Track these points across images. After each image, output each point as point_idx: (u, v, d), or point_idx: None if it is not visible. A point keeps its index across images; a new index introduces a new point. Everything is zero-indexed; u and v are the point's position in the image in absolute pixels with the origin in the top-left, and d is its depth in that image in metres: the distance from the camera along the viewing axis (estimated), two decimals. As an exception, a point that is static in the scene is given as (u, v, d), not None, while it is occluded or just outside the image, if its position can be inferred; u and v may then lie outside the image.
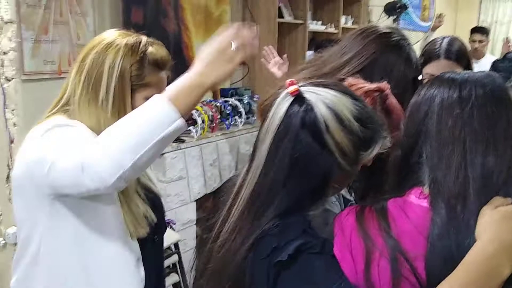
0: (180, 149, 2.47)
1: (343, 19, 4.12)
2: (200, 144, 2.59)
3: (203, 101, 2.75)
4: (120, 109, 1.06)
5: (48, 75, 2.00)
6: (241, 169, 0.91)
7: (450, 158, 0.78)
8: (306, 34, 3.56)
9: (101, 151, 0.91)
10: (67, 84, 1.11)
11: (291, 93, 0.81)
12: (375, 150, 0.84)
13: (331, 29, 3.93)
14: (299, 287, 0.74)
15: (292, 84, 0.81)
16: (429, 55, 1.62)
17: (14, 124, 1.88)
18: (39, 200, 1.03)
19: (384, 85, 0.99)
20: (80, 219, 1.05)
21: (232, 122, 2.90)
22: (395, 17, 4.34)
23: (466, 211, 0.75)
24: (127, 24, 2.31)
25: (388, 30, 1.15)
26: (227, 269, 0.80)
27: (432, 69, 1.57)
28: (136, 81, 1.08)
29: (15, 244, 1.89)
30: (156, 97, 0.94)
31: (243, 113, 2.94)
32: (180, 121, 0.92)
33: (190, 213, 2.57)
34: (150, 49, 1.10)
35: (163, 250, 1.36)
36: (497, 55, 4.18)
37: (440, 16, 4.54)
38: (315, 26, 3.78)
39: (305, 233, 0.78)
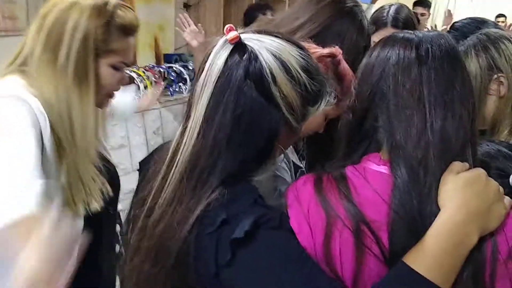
0: (121, 116, 2.36)
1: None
2: (142, 111, 2.49)
3: (145, 66, 2.64)
4: (82, 75, 0.99)
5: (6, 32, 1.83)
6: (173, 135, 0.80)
7: (410, 121, 0.74)
8: (253, 1, 3.48)
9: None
10: (25, 41, 1.01)
11: (231, 41, 0.72)
12: (322, 105, 0.80)
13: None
14: (259, 266, 0.68)
15: (231, 30, 0.72)
16: (377, 23, 1.62)
17: None
18: None
19: (336, 50, 0.96)
20: None
21: (176, 89, 2.81)
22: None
23: (428, 177, 0.72)
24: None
25: None
26: (167, 246, 0.72)
27: (379, 37, 1.52)
28: (101, 46, 1.01)
29: None
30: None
31: (188, 80, 2.85)
32: None
33: (132, 183, 2.46)
34: (118, 12, 1.03)
35: (116, 223, 1.30)
36: (439, 29, 4.29)
37: (382, -12, 4.59)
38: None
39: (256, 203, 0.72)
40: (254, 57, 0.72)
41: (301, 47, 0.78)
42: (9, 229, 0.71)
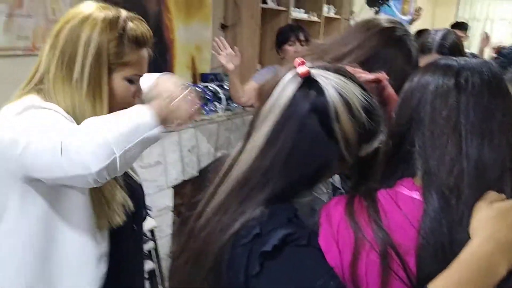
0: (158, 133, 2.40)
1: (325, 8, 4.09)
2: (179, 130, 2.53)
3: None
4: (96, 90, 0.99)
5: (21, 51, 1.90)
6: (231, 149, 0.86)
7: (444, 148, 0.74)
8: (289, 22, 3.52)
9: (87, 136, 0.86)
10: (40, 61, 1.02)
11: (301, 75, 0.77)
12: (375, 143, 0.82)
13: (314, 18, 3.90)
14: (284, 280, 0.71)
15: (302, 64, 0.78)
16: (422, 48, 1.57)
17: (-16, 102, 1.78)
18: (10, 182, 0.96)
19: (382, 75, 0.97)
20: (49, 206, 0.99)
21: (212, 108, 2.84)
22: (376, 9, 4.34)
23: (460, 205, 0.71)
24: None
25: (391, 25, 1.14)
26: (208, 250, 0.77)
27: (424, 62, 1.50)
28: (114, 59, 1.01)
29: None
30: (139, 106, 0.95)
31: (224, 99, 2.88)
32: (160, 128, 0.94)
33: (166, 199, 2.51)
34: (130, 25, 1.03)
35: (142, 240, 1.31)
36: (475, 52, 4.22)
37: (418, 10, 4.57)
38: (298, 14, 3.74)
39: (290, 222, 0.74)
40: (321, 93, 0.76)
41: (363, 87, 0.81)
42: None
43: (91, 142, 0.86)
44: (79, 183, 0.92)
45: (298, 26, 2.78)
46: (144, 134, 0.91)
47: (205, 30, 3.10)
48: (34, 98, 0.99)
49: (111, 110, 1.00)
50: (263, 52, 3.48)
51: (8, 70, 1.84)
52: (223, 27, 3.20)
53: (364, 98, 0.79)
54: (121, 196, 1.08)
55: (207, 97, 2.82)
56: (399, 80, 1.01)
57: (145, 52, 1.07)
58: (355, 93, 0.78)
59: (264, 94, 0.81)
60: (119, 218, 1.07)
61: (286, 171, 0.76)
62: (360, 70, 0.94)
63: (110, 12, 1.02)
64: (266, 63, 3.39)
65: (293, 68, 0.79)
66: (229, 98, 2.95)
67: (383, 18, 1.18)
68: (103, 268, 1.08)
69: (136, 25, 1.04)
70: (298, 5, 3.90)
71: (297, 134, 0.76)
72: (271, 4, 3.42)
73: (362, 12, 4.52)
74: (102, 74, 1.00)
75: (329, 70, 0.80)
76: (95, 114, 0.99)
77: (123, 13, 1.04)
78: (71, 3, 2.09)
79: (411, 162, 0.79)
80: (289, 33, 2.64)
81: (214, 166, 0.88)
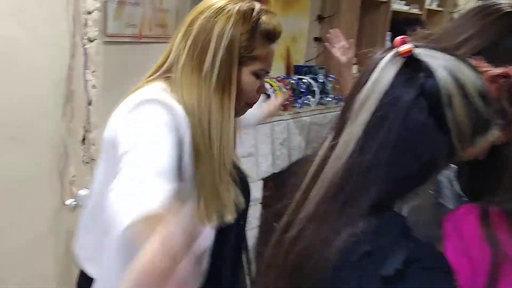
0: (252, 125, 2.39)
1: (428, 0, 3.86)
2: (272, 122, 2.50)
3: (277, 77, 2.65)
4: (225, 83, 0.98)
5: (129, 39, 1.95)
6: (316, 148, 0.75)
7: None
8: (389, 14, 3.36)
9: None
10: (171, 49, 1.03)
11: (403, 54, 0.66)
12: (490, 137, 0.70)
13: (415, 10, 3.69)
14: None
15: (403, 42, 0.66)
16: None
17: (93, 86, 1.86)
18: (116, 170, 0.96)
19: (511, 70, 0.84)
20: None
21: (305, 101, 2.78)
22: (485, 1, 4.02)
23: None
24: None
25: None
26: (304, 267, 0.67)
27: None
28: (244, 52, 0.99)
29: (86, 206, 1.89)
30: None
31: (317, 92, 2.81)
32: None
33: (256, 191, 2.50)
34: (263, 18, 1.01)
35: (245, 235, 1.28)
36: None
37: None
38: (398, 5, 3.55)
39: (403, 236, 0.65)
40: (428, 74, 0.65)
41: (476, 71, 0.70)
42: (133, 225, 0.70)
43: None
44: None
45: (415, 19, 2.56)
46: None
47: (301, 21, 3.05)
48: (161, 88, 0.99)
49: (236, 104, 0.98)
50: (359, 46, 3.35)
51: (116, 56, 1.91)
52: (320, 18, 3.12)
53: (479, 83, 0.68)
54: (233, 192, 1.06)
55: (301, 89, 2.77)
56: None
57: (274, 47, 1.04)
58: (469, 76, 0.67)
59: (358, 79, 0.70)
60: (230, 216, 1.04)
61: (391, 169, 0.65)
62: (485, 63, 0.84)
63: (244, 4, 1.00)
64: (362, 57, 3.26)
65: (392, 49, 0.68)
66: (322, 92, 2.87)
67: (505, 1, 1.01)
68: (204, 263, 1.06)
69: (269, 19, 1.03)
70: (399, -4, 3.71)
71: (401, 124, 0.64)
72: (371, -5, 3.28)
73: (467, 5, 4.21)
74: (233, 67, 0.98)
75: (436, 50, 0.69)
76: (222, 108, 0.98)
77: (257, 5, 1.02)
78: (178, -6, 2.13)
79: None
80: (405, 27, 2.48)
81: (298, 168, 0.77)
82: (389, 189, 0.66)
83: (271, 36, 1.03)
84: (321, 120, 2.83)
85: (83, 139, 1.89)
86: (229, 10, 0.98)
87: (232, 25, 0.97)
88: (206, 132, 0.99)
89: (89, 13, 1.82)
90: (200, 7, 1.02)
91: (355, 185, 0.66)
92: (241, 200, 1.08)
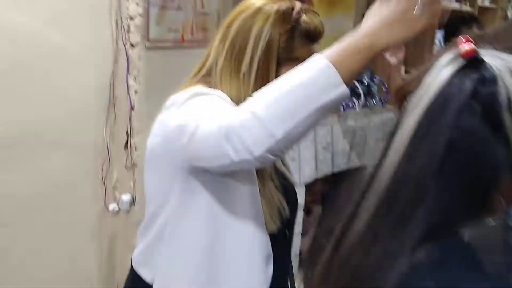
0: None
1: (480, -4, 3.69)
2: (315, 126, 2.43)
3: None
4: (263, 85, 0.92)
5: (171, 43, 1.95)
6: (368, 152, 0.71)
7: None
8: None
9: (249, 116, 0.77)
10: (210, 51, 1.01)
11: (465, 54, 0.59)
12: None
13: (466, 8, 3.52)
14: None
15: (467, 41, 0.60)
16: None
17: (136, 92, 1.86)
18: (173, 174, 0.95)
19: None
20: (214, 199, 0.95)
21: (349, 104, 2.70)
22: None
23: None
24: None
25: None
26: None
27: None
28: (283, 53, 0.96)
29: (129, 211, 1.90)
30: (316, 57, 0.77)
31: (362, 95, 2.72)
32: (344, 88, 0.74)
33: (299, 197, 2.44)
34: (303, 17, 0.97)
35: (291, 245, 1.24)
36: None
37: None
38: (449, 2, 3.40)
39: (471, 269, 0.58)
40: (491, 77, 0.58)
41: None
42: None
43: (255, 122, 0.76)
44: (246, 167, 0.86)
45: (471, 16, 2.36)
46: (321, 101, 0.74)
47: (347, 21, 2.96)
48: (199, 87, 0.97)
49: None
50: (407, 47, 3.22)
51: (158, 61, 1.91)
52: (365, 18, 3.02)
53: None
54: (277, 199, 1.03)
55: (345, 92, 2.69)
56: None
57: (316, 48, 1.00)
58: None
59: (412, 83, 0.65)
60: (273, 226, 1.00)
61: (444, 182, 0.57)
62: None
63: (284, 3, 0.97)
64: (409, 58, 3.14)
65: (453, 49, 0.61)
66: (367, 94, 2.78)
67: None
68: (270, 270, 1.03)
69: (310, 18, 0.99)
70: (449, -6, 3.55)
71: (452, 128, 0.57)
72: (419, -7, 3.15)
73: (523, 1, 3.99)
74: (271, 69, 0.96)
75: (499, 50, 0.62)
76: None
77: (297, 5, 0.98)
78: (220, -3, 2.11)
79: None
80: (460, 25, 2.28)
81: (349, 180, 0.72)
82: (444, 206, 0.59)
83: (312, 36, 0.99)
84: (366, 124, 2.74)
85: (126, 144, 1.90)
86: (267, 10, 0.95)
87: (271, 25, 0.95)
88: None
89: (132, 18, 1.82)
90: (239, 8, 1.00)
91: (405, 201, 0.59)
92: (286, 208, 1.04)
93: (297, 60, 0.94)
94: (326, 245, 0.69)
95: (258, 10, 0.96)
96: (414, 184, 0.59)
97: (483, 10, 3.79)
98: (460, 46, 0.60)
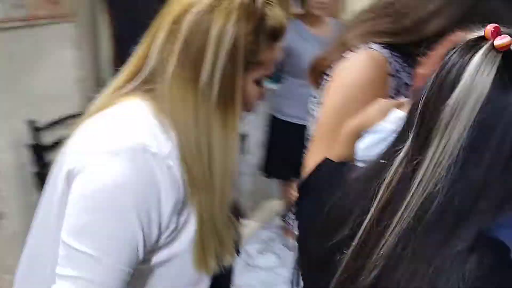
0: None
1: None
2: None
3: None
4: (228, 96, 0.80)
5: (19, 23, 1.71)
6: (375, 163, 0.69)
7: None
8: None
9: None
10: (147, 52, 0.82)
11: (501, 48, 0.57)
12: None
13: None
14: None
15: (498, 32, 0.57)
16: None
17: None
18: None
19: None
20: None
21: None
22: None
23: None
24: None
25: None
26: None
27: None
28: (250, 58, 0.80)
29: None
30: None
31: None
32: None
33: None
34: (268, 12, 0.80)
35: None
36: None
37: None
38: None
39: None
40: None
41: None
42: None
43: None
44: None
45: None
46: None
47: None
48: (143, 110, 0.81)
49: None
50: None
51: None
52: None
53: None
54: (233, 230, 0.92)
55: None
56: None
57: (279, 46, 0.85)
58: None
59: (440, 79, 0.61)
60: (230, 257, 0.90)
61: (502, 190, 0.59)
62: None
63: None
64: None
65: (475, 38, 0.60)
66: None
67: None
68: None
69: (275, 13, 0.81)
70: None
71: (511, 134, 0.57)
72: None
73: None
74: (237, 78, 0.80)
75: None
76: (226, 127, 0.82)
77: None
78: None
79: None
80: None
81: (351, 184, 0.72)
82: (494, 215, 0.60)
83: (277, 34, 0.83)
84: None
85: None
86: (228, 4, 0.78)
87: (234, 23, 0.78)
88: (205, 158, 0.82)
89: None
90: None
91: (460, 212, 0.59)
92: (240, 235, 0.95)
93: (261, 64, 0.83)
94: (340, 256, 0.67)
95: (216, 4, 0.78)
96: (471, 196, 0.59)
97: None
98: (492, 37, 0.58)
